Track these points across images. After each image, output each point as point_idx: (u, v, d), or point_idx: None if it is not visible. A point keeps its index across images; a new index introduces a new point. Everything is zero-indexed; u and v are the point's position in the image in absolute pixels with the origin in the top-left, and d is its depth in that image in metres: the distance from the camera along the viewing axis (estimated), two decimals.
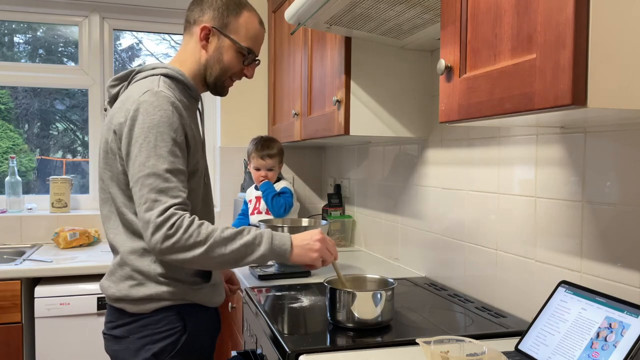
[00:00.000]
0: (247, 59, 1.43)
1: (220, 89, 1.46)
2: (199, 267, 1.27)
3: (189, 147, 1.32)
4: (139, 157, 1.23)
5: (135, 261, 1.31)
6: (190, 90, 1.41)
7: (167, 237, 1.18)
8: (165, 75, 1.36)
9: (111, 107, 1.41)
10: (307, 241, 1.33)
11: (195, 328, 1.36)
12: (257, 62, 1.47)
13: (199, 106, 1.48)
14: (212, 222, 1.45)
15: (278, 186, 2.44)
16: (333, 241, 1.40)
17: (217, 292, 1.43)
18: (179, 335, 1.32)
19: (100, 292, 1.56)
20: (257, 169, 2.42)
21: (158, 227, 1.19)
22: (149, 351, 1.30)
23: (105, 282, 1.37)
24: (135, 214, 1.29)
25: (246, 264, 1.27)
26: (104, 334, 1.39)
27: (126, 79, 1.41)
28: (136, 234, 1.31)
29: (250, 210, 2.51)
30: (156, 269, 1.30)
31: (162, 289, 1.30)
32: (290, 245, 1.30)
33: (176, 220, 1.19)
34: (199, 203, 1.39)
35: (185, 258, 1.20)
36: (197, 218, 1.24)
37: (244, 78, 1.50)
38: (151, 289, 1.30)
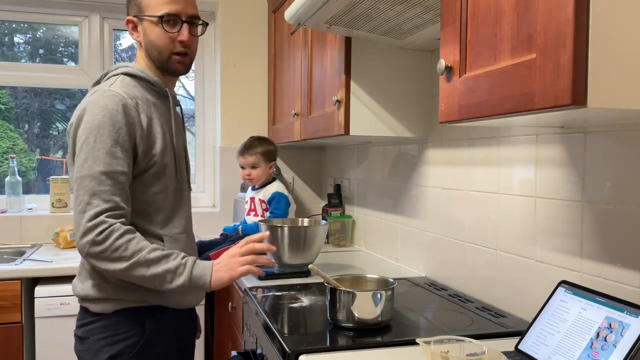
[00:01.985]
0: (166, 24, 1.34)
1: (173, 69, 1.39)
2: (120, 278, 1.24)
3: (138, 147, 1.29)
4: (79, 159, 1.24)
5: None
6: (155, 86, 1.39)
7: (94, 243, 1.19)
8: (126, 74, 1.35)
9: None
10: (224, 261, 1.30)
11: (158, 331, 1.33)
12: (181, 22, 1.35)
13: (178, 102, 1.45)
14: (187, 223, 1.43)
15: (270, 189, 2.44)
16: (257, 243, 1.33)
17: (186, 295, 1.39)
18: (138, 338, 1.30)
19: None
20: (242, 167, 2.47)
21: (87, 232, 1.19)
22: (107, 353, 1.29)
23: (75, 280, 1.38)
24: None
25: (166, 290, 1.25)
26: (74, 333, 1.38)
27: (100, 81, 1.41)
28: None
29: (246, 211, 2.51)
30: None
31: (122, 289, 1.29)
32: (210, 275, 1.26)
33: (105, 229, 1.19)
34: (169, 203, 1.37)
35: (107, 268, 1.21)
36: (129, 230, 1.22)
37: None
38: (110, 289, 1.29)
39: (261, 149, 2.43)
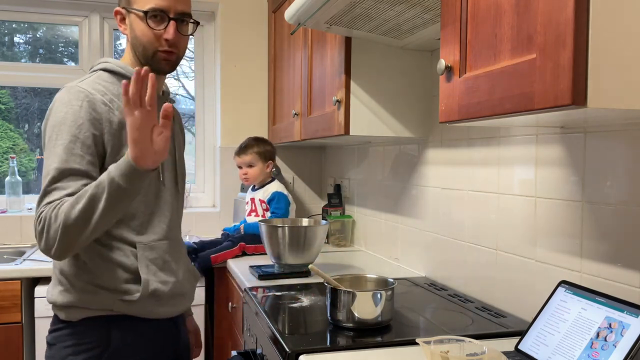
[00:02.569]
0: (151, 20, 1.27)
1: (157, 67, 1.29)
2: (78, 240, 1.13)
3: (106, 144, 1.22)
4: (44, 158, 1.21)
5: (62, 265, 1.27)
6: None
7: (40, 239, 1.15)
8: (104, 70, 1.32)
9: None
10: (136, 140, 1.10)
11: (125, 343, 1.26)
12: (168, 19, 1.28)
13: (172, 101, 1.40)
14: (170, 228, 1.35)
15: (269, 189, 2.44)
16: (145, 112, 1.09)
17: (163, 305, 1.30)
18: (102, 350, 1.24)
19: None
20: (239, 167, 2.50)
21: (37, 235, 1.16)
22: None
23: (48, 286, 1.35)
24: None
25: (111, 210, 1.12)
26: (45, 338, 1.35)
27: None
28: None
29: (247, 212, 2.51)
30: (81, 275, 1.24)
31: (86, 297, 1.24)
32: (129, 157, 1.10)
33: (42, 213, 1.14)
34: (148, 207, 1.30)
35: (66, 245, 1.13)
36: (58, 203, 1.13)
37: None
38: (75, 296, 1.24)
39: (257, 149, 2.46)
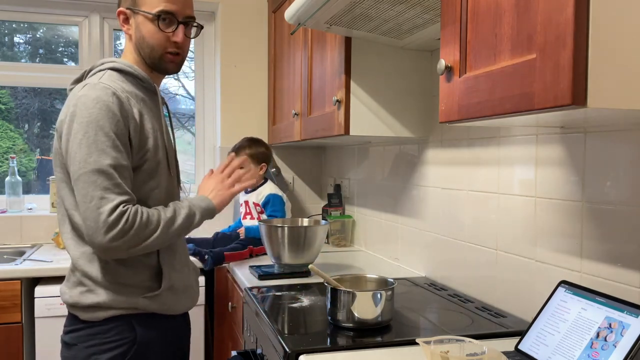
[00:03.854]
0: (162, 22, 1.32)
1: (163, 68, 1.37)
2: (154, 249, 1.27)
3: (132, 140, 1.26)
4: (79, 154, 1.19)
5: (84, 266, 1.27)
6: (142, 81, 1.35)
7: (123, 232, 1.18)
8: (113, 69, 1.32)
9: None
10: (215, 188, 1.44)
11: (149, 339, 1.30)
12: (177, 23, 1.34)
13: (164, 100, 1.42)
14: None
15: (263, 192, 2.41)
16: (233, 162, 1.51)
17: (179, 299, 1.37)
18: (128, 347, 1.27)
19: None
20: None
21: (112, 226, 1.17)
22: None
23: (62, 287, 1.34)
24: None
25: (187, 233, 1.35)
26: (60, 338, 1.35)
27: (82, 79, 1.36)
28: (84, 238, 1.25)
29: (242, 215, 2.49)
30: (105, 275, 1.26)
31: (112, 296, 1.26)
32: (211, 201, 1.40)
33: (129, 215, 1.19)
34: (162, 201, 1.34)
35: (138, 248, 1.22)
36: (140, 207, 1.23)
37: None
38: (100, 296, 1.26)
39: (249, 151, 2.41)
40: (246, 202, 2.47)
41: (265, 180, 2.48)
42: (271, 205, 2.37)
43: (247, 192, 2.48)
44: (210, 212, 1.38)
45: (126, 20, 1.36)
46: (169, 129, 1.46)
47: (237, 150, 2.43)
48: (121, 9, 1.36)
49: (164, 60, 1.36)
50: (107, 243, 1.17)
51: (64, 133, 1.23)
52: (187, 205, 1.33)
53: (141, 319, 1.29)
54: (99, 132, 1.19)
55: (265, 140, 2.96)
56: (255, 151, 2.43)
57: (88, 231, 1.18)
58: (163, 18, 1.32)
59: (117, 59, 1.35)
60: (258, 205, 2.41)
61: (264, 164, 2.44)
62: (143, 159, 1.29)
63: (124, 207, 1.19)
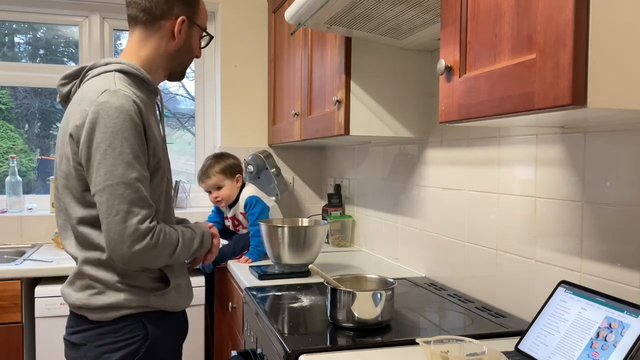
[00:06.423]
0: (205, 41, 1.46)
1: (178, 76, 1.47)
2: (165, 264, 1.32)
3: (149, 146, 1.26)
4: (104, 165, 1.17)
5: (92, 271, 1.27)
6: (148, 84, 1.34)
7: (149, 248, 1.20)
8: (120, 71, 1.29)
9: (64, 107, 1.35)
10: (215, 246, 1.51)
11: (159, 336, 1.32)
12: (207, 42, 1.49)
13: (158, 100, 1.42)
14: (172, 219, 1.43)
15: (243, 195, 2.32)
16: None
17: (182, 296, 1.39)
18: (140, 344, 1.28)
19: None
20: (208, 192, 2.35)
21: (137, 240, 1.18)
22: None
23: (65, 289, 1.33)
24: (89, 225, 1.25)
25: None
26: (64, 339, 1.34)
27: (77, 76, 1.33)
28: (90, 245, 1.26)
29: (233, 228, 2.44)
30: (114, 277, 1.27)
31: (123, 296, 1.27)
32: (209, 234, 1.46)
33: (154, 232, 1.21)
34: (161, 204, 1.34)
35: (159, 263, 1.27)
36: (164, 226, 1.27)
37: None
38: (111, 297, 1.26)
39: (218, 167, 2.29)
40: (232, 218, 2.40)
41: (243, 185, 2.38)
42: (250, 208, 2.29)
43: (230, 208, 2.38)
44: (207, 243, 1.44)
45: (181, 27, 1.37)
46: (160, 125, 1.45)
47: (206, 172, 2.30)
48: (183, 17, 1.36)
49: (184, 71, 1.47)
50: (130, 257, 1.19)
51: (82, 140, 1.20)
52: (198, 232, 1.40)
53: (151, 316, 1.31)
54: (124, 144, 1.18)
55: (265, 140, 2.97)
56: (224, 165, 2.31)
57: (111, 242, 1.19)
58: (207, 37, 1.46)
59: (123, 61, 1.31)
60: (244, 214, 2.34)
61: (238, 175, 2.34)
62: (157, 166, 1.29)
63: (150, 222, 1.21)
